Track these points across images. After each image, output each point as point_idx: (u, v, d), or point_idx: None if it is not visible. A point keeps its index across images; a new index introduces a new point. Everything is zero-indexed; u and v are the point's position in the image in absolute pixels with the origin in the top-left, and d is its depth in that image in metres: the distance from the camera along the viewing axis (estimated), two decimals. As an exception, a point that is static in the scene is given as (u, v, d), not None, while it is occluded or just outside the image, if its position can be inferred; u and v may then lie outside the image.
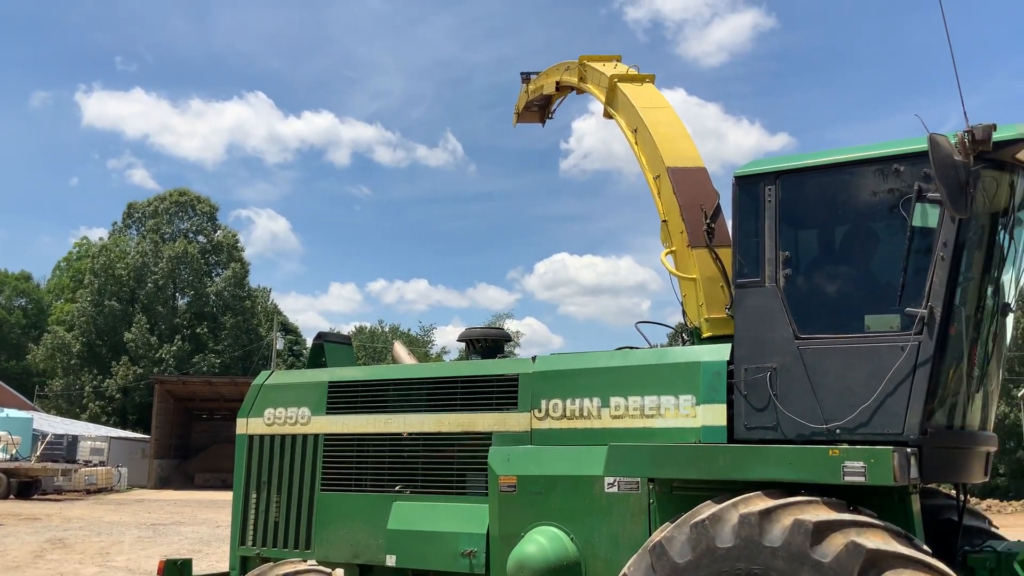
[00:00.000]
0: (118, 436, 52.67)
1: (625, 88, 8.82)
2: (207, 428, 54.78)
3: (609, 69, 9.36)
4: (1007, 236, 5.89)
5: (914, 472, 5.23)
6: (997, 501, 39.64)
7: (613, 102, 9.09)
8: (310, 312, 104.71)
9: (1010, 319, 6.17)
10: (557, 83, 10.55)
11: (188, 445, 54.33)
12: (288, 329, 72.43)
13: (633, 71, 9.31)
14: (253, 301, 68.51)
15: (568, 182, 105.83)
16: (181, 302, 66.23)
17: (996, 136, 5.23)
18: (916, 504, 5.48)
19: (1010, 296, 6.07)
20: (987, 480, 6.40)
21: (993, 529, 6.82)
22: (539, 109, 11.37)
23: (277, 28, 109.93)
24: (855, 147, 5.85)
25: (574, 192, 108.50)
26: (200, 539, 21.74)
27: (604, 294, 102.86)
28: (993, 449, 6.34)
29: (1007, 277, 6.01)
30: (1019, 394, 41.29)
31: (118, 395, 61.04)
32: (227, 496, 8.97)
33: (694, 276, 7.21)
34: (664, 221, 7.76)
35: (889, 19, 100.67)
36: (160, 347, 61.50)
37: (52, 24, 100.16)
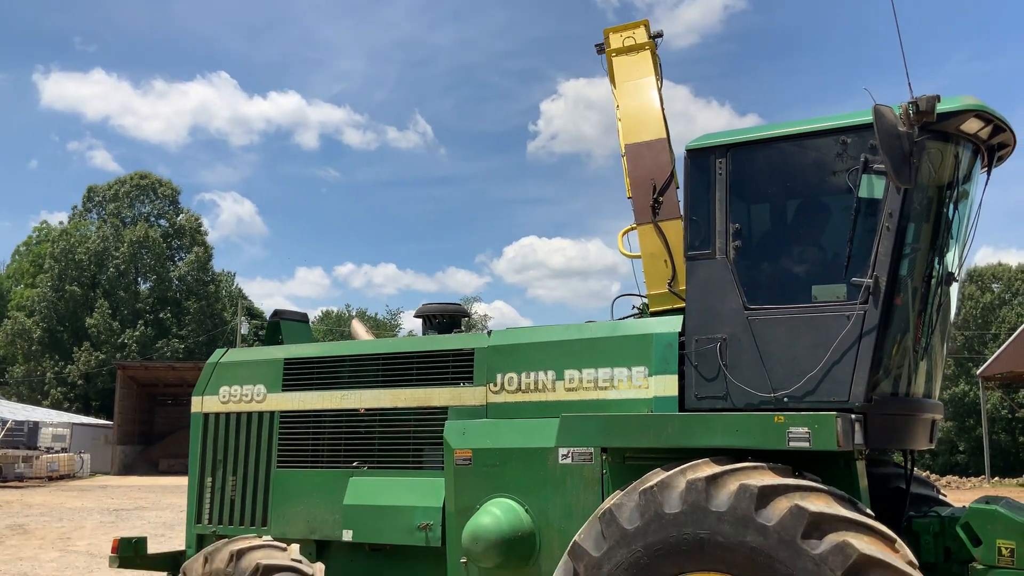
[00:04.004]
0: (80, 422, 52.07)
1: (617, 61, 8.28)
2: (171, 414, 54.19)
3: (617, 41, 8.41)
4: (952, 207, 5.99)
5: (859, 438, 5.32)
6: (956, 477, 40.50)
7: (612, 78, 8.43)
8: (276, 296, 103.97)
9: (954, 289, 6.27)
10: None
11: (152, 431, 53.80)
12: (253, 314, 71.71)
13: (635, 39, 8.29)
14: (217, 286, 67.89)
15: (536, 164, 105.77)
16: (143, 287, 65.49)
17: (940, 107, 5.32)
18: (861, 470, 5.57)
19: (954, 266, 6.17)
20: (932, 447, 6.53)
21: (940, 496, 6.97)
22: None
23: (236, 8, 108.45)
24: (803, 120, 5.91)
25: (542, 174, 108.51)
26: (163, 523, 21.58)
27: (573, 277, 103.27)
28: (938, 416, 6.46)
29: (952, 248, 6.12)
30: (977, 372, 42.06)
31: (80, 381, 60.30)
32: (190, 480, 8.86)
33: (639, 253, 7.24)
34: (630, 198, 7.73)
35: (855, 3, 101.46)
36: (122, 332, 60.81)
37: (6, 4, 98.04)
